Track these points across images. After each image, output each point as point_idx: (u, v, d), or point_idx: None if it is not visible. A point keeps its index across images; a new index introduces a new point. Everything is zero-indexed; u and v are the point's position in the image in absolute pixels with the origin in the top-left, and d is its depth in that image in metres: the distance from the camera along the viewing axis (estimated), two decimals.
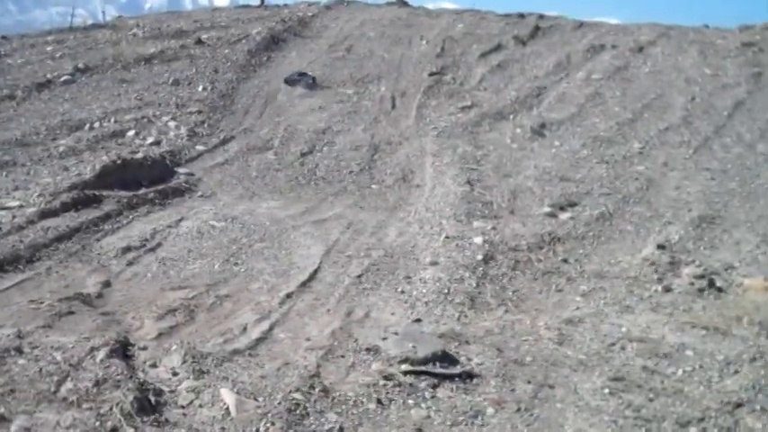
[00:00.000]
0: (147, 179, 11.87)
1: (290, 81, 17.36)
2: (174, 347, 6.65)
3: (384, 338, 7.02)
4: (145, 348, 6.71)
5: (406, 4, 26.54)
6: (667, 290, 8.54)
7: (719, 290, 8.57)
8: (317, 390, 5.92)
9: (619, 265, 9.36)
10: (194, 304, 7.82)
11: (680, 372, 6.68)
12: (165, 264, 8.97)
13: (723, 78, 17.79)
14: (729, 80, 17.68)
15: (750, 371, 6.65)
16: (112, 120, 14.46)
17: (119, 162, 11.89)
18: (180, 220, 10.47)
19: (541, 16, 24.24)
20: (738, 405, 6.09)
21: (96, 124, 14.21)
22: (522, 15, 24.28)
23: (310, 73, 17.82)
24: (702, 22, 24.27)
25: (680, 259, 9.36)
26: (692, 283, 8.64)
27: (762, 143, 14.12)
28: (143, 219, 10.54)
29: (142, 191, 11.35)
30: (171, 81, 16.93)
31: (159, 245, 9.57)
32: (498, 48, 20.30)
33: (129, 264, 8.95)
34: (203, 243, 9.66)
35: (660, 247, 9.70)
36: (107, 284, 8.33)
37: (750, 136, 14.50)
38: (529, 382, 6.36)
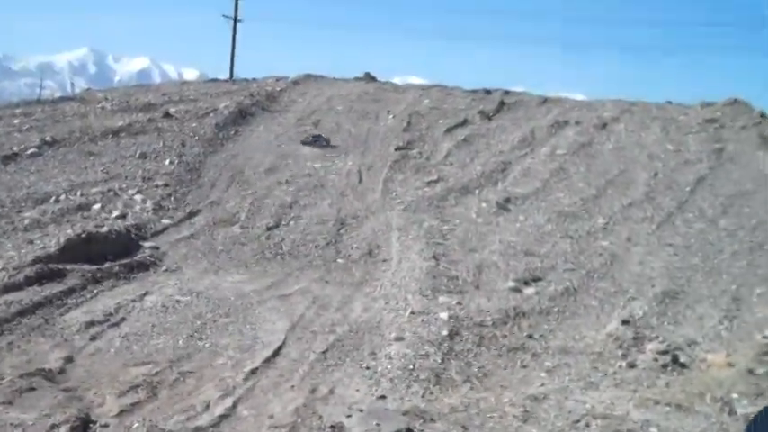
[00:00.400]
0: (112, 253, 11.80)
1: (306, 142, 18.60)
2: (136, 425, 6.59)
3: (348, 416, 6.98)
4: (106, 426, 6.64)
5: (373, 80, 26.87)
6: (631, 366, 8.57)
7: (683, 366, 8.62)
8: None
9: (583, 340, 9.40)
10: (157, 380, 7.74)
11: None
12: (129, 339, 8.89)
13: (685, 154, 18.09)
14: (691, 156, 17.97)
15: None
16: (78, 193, 14.43)
17: (83, 236, 11.83)
18: (144, 295, 10.41)
19: (507, 92, 24.63)
20: None
21: (62, 197, 14.17)
22: (487, 91, 24.64)
23: (324, 135, 18.93)
24: (665, 99, 24.74)
25: (644, 335, 9.42)
26: (656, 359, 8.69)
27: (724, 219, 14.31)
28: (107, 293, 10.45)
29: (107, 265, 11.28)
30: (138, 154, 16.94)
31: (123, 319, 9.49)
32: (464, 123, 20.55)
33: (93, 338, 8.86)
34: (167, 318, 9.59)
35: (624, 322, 9.76)
36: (69, 360, 8.24)
37: (712, 211, 14.69)
38: None
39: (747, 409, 7.56)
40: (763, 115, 21.10)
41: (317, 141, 18.27)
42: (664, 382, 8.17)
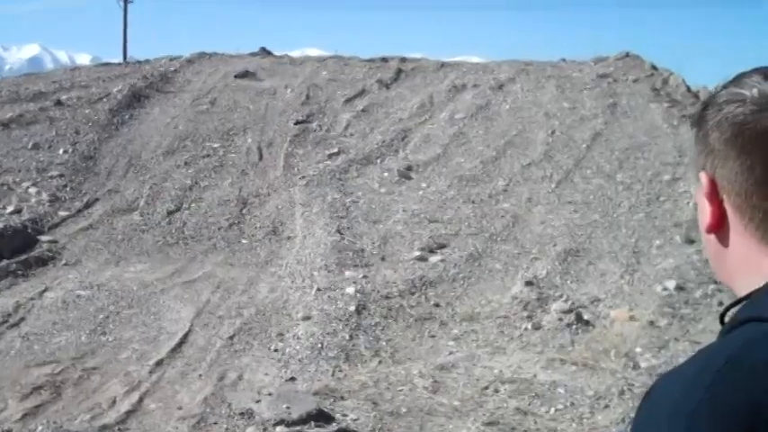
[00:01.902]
0: (8, 250, 11.48)
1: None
2: (41, 428, 6.45)
3: (258, 401, 6.94)
4: (9, 431, 6.47)
5: (269, 54, 26.54)
6: (537, 327, 8.70)
7: (587, 323, 8.78)
8: None
9: (489, 305, 9.50)
10: (60, 380, 7.59)
11: (552, 410, 6.79)
12: (29, 338, 8.68)
13: (581, 111, 18.31)
14: (587, 112, 18.20)
15: (619, 404, 6.81)
16: None
17: None
18: (44, 291, 10.16)
19: (404, 59, 24.55)
20: None
21: None
22: (385, 59, 24.53)
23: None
24: (561, 57, 24.97)
25: (548, 295, 9.57)
26: (561, 319, 8.82)
27: (620, 173, 14.56)
28: (5, 292, 10.18)
29: (3, 263, 10.97)
30: (30, 145, 16.46)
31: (22, 319, 9.26)
32: (363, 93, 20.45)
33: None
34: (69, 314, 9.39)
35: (528, 283, 9.89)
36: None
37: (609, 166, 14.93)
38: None
39: (651, 362, 7.76)
40: (654, 67, 21.46)
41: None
42: (569, 342, 8.32)
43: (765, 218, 1.20)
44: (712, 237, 1.29)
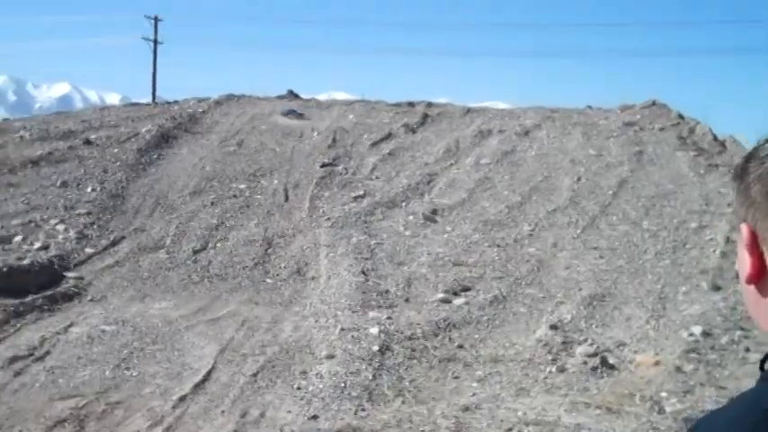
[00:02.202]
0: (34, 285, 11.59)
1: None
2: None
3: None
4: None
5: (296, 97, 26.76)
6: (561, 370, 8.64)
7: (612, 367, 8.72)
8: None
9: (513, 347, 9.46)
10: (84, 413, 7.62)
11: None
12: (54, 372, 8.72)
13: (607, 158, 18.32)
14: (613, 159, 18.20)
15: None
16: None
17: (4, 270, 11.60)
18: (69, 326, 10.22)
19: (430, 104, 24.70)
20: None
21: None
22: (411, 104, 24.69)
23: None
24: (586, 104, 25.03)
25: (573, 339, 9.51)
26: (585, 362, 8.77)
27: (646, 220, 14.52)
28: (31, 326, 10.25)
29: (30, 298, 11.05)
30: (59, 183, 16.64)
31: (48, 353, 9.32)
32: (389, 136, 20.56)
33: (16, 374, 8.68)
34: (93, 349, 9.43)
35: (553, 327, 9.85)
36: None
37: (635, 213, 14.90)
38: None
39: (676, 406, 7.68)
40: (680, 116, 21.49)
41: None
42: (594, 385, 8.26)
43: None
44: (752, 287, 1.31)
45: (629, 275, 12.04)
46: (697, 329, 9.64)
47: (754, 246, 1.28)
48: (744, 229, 1.30)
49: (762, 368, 1.24)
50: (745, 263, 1.30)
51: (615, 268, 12.35)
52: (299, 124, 21.53)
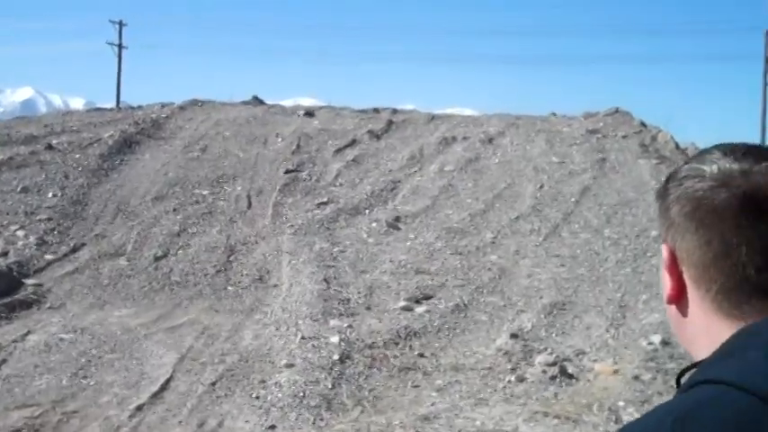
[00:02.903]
0: None
1: None
2: None
3: None
4: None
5: (261, 103, 26.67)
6: (521, 379, 8.66)
7: (571, 376, 8.75)
8: None
9: (474, 356, 9.47)
10: (40, 423, 7.55)
11: None
12: (10, 381, 8.63)
13: (570, 165, 18.39)
14: (576, 167, 18.28)
15: None
16: None
17: None
18: (27, 334, 10.12)
19: (395, 110, 24.72)
20: None
21: None
22: (376, 110, 24.69)
23: None
24: (551, 110, 25.16)
25: (533, 347, 9.54)
26: (545, 371, 8.80)
27: (608, 228, 14.59)
28: None
29: None
30: (19, 188, 16.46)
31: (4, 361, 9.22)
32: (353, 143, 20.53)
33: None
34: (51, 357, 9.34)
35: (513, 336, 9.87)
36: None
37: (597, 221, 14.97)
38: None
39: (634, 416, 7.69)
40: (643, 124, 21.65)
41: None
42: (553, 394, 8.28)
43: (721, 290, 1.24)
44: (673, 307, 1.32)
45: (589, 284, 12.10)
46: (656, 338, 9.69)
47: (674, 266, 1.29)
48: (664, 249, 1.31)
49: (677, 384, 1.25)
50: (666, 283, 1.31)
51: (576, 276, 12.40)
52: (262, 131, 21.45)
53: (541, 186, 16.97)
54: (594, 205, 15.86)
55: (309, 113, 24.22)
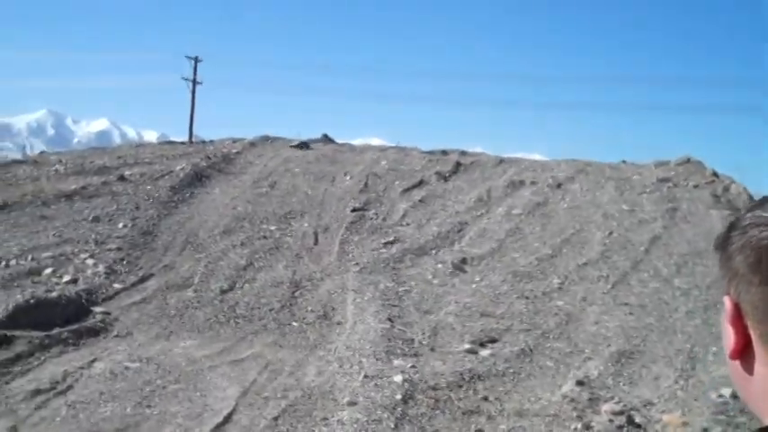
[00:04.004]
0: (61, 318, 11.61)
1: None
2: None
3: None
4: None
5: (331, 141, 26.90)
6: (587, 427, 8.50)
7: (638, 426, 8.56)
8: None
9: (539, 402, 9.32)
10: None
11: None
12: (75, 407, 8.69)
13: (639, 214, 18.19)
14: (646, 215, 18.07)
15: None
16: (29, 257, 14.19)
17: (32, 301, 11.64)
18: (93, 361, 10.21)
19: (463, 152, 24.76)
20: None
21: (12, 261, 13.92)
22: (444, 152, 24.75)
23: None
24: (620, 158, 24.99)
25: (599, 395, 9.36)
26: (611, 420, 8.63)
27: (678, 278, 14.35)
28: (55, 360, 10.24)
29: (55, 331, 11.06)
30: (91, 218, 16.75)
31: (70, 387, 9.29)
32: (421, 183, 20.59)
33: (38, 407, 8.66)
34: (116, 385, 9.40)
35: (580, 383, 9.70)
36: (14, 429, 8.04)
37: (667, 270, 14.74)
38: None
39: None
40: (715, 174, 21.37)
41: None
42: None
43: None
44: (737, 363, 1.25)
45: (658, 333, 11.88)
46: (726, 391, 9.45)
47: (738, 320, 1.22)
48: (727, 302, 1.24)
49: None
50: (729, 338, 1.24)
51: (645, 325, 12.19)
52: (330, 169, 21.53)
53: (610, 233, 16.78)
54: (664, 254, 15.62)
55: (381, 150, 24.31)
